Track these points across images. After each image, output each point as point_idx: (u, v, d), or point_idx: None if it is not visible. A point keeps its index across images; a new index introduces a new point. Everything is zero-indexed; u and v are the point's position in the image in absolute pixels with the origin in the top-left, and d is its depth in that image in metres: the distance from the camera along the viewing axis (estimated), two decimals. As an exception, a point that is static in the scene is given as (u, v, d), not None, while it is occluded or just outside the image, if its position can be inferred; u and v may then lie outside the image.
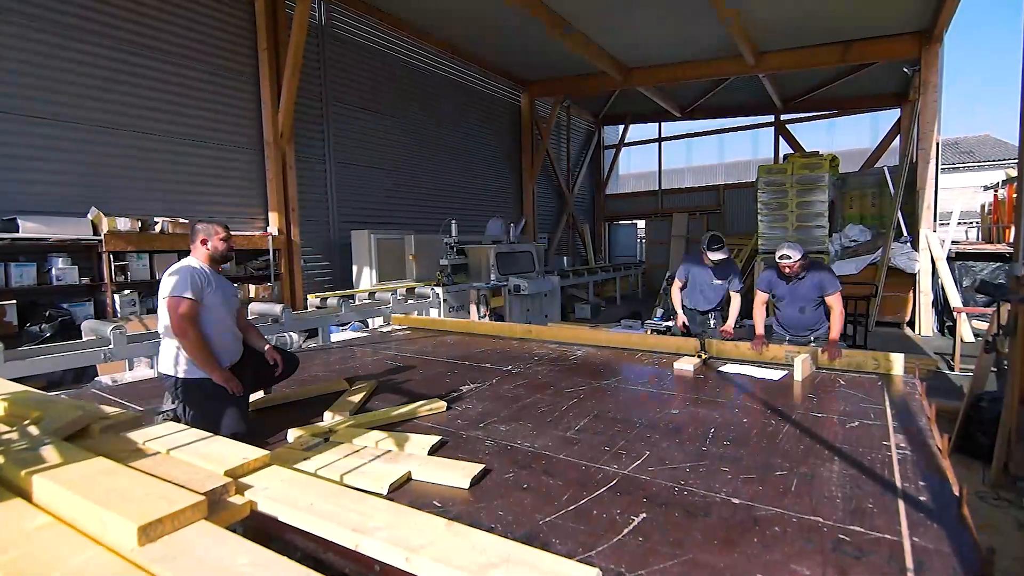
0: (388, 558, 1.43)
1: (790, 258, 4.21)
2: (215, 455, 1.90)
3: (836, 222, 11.45)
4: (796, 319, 4.44)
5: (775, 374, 3.64)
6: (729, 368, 3.84)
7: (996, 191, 12.58)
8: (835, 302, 4.22)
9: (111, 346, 4.21)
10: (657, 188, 18.37)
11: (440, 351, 4.75)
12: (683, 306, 5.16)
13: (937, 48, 9.59)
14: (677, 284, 5.17)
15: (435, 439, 2.41)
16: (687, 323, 5.11)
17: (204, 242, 2.82)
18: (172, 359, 2.67)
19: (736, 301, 4.90)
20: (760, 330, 4.35)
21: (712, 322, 4.98)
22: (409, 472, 2.08)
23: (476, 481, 2.04)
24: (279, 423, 2.77)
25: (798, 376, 3.48)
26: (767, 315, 4.57)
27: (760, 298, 4.58)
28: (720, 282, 4.93)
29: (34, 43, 5.94)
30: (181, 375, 2.65)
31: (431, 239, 9.35)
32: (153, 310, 6.73)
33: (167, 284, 2.65)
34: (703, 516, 1.77)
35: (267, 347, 2.99)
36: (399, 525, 1.52)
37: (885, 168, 11.66)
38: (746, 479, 2.04)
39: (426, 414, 2.90)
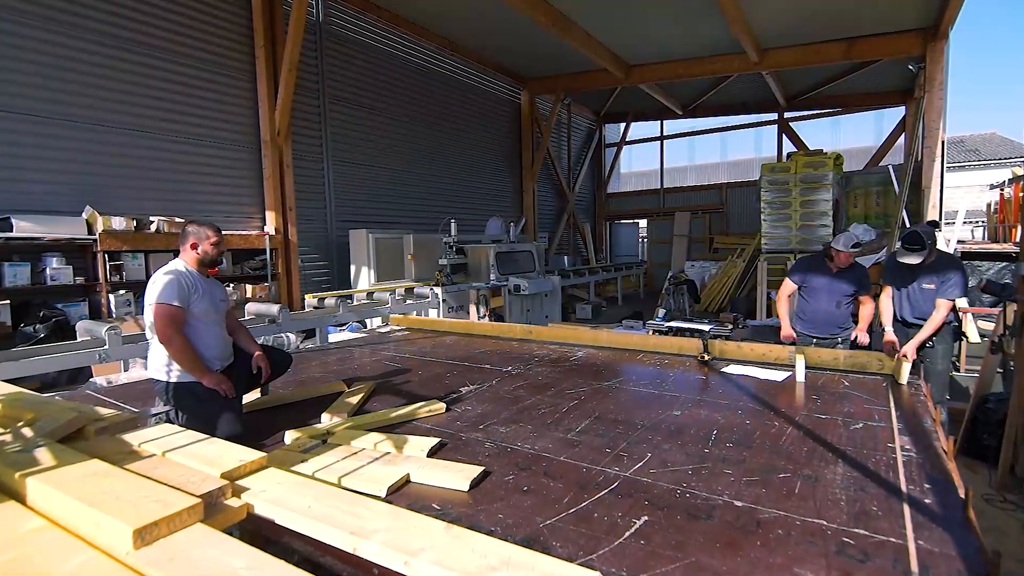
0: (387, 562, 1.43)
1: (860, 244, 3.95)
2: (211, 457, 1.90)
3: (840, 221, 11.44)
4: (827, 315, 4.18)
5: (778, 375, 3.64)
6: (732, 369, 3.84)
7: (1002, 190, 12.55)
8: (869, 300, 4.13)
9: (106, 347, 4.21)
10: (659, 187, 18.38)
11: (439, 352, 4.75)
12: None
13: (942, 45, 9.58)
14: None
15: (434, 441, 2.41)
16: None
17: (194, 246, 2.75)
18: (162, 364, 2.65)
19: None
20: (787, 328, 4.19)
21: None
22: (408, 474, 2.08)
23: (476, 483, 2.04)
24: (276, 425, 2.77)
25: (800, 377, 3.48)
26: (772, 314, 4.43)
27: (787, 289, 4.32)
28: (931, 287, 4.00)
29: (27, 39, 5.94)
30: (172, 379, 2.63)
31: (430, 238, 9.35)
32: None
33: (152, 290, 2.61)
34: (705, 519, 1.77)
35: (256, 353, 2.94)
36: (398, 528, 1.52)
37: (890, 166, 11.65)
38: (749, 481, 2.04)
39: (425, 415, 2.90)
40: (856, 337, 4.21)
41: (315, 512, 1.62)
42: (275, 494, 1.72)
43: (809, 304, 4.36)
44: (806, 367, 3.54)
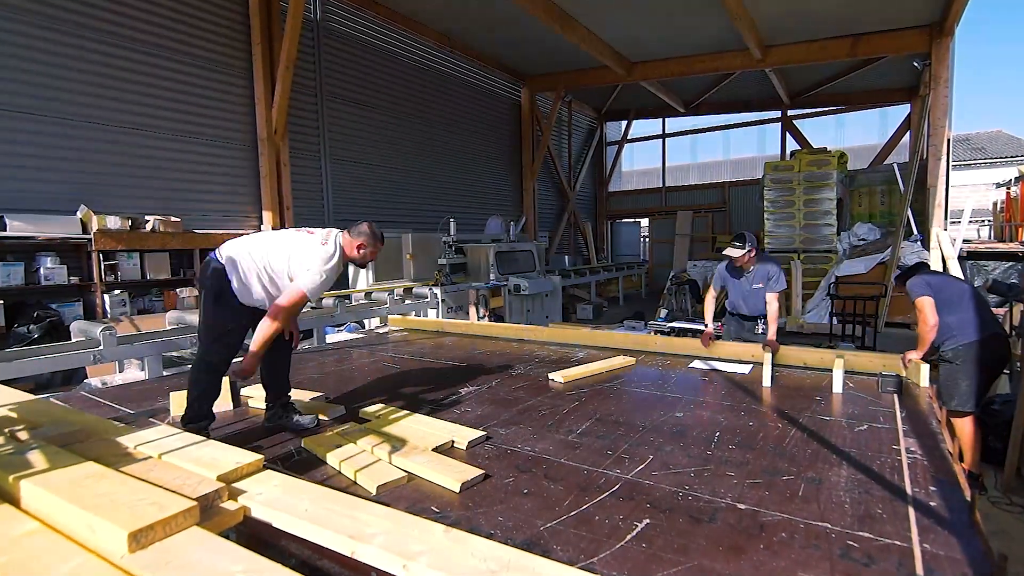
0: (385, 565, 1.43)
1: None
2: (207, 459, 1.90)
3: (844, 220, 11.45)
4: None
5: (744, 368, 3.83)
6: (699, 364, 3.99)
7: (1008, 188, 12.57)
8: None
9: (101, 347, 4.20)
10: (661, 185, 18.37)
11: (438, 353, 4.75)
12: (728, 312, 4.82)
13: (948, 41, 9.59)
14: (711, 293, 4.79)
15: (446, 438, 2.43)
16: (716, 334, 4.68)
17: (360, 247, 2.71)
18: (247, 286, 2.63)
19: (773, 306, 4.38)
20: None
21: (759, 329, 4.57)
22: (406, 476, 2.09)
23: (475, 486, 2.04)
24: (273, 429, 2.78)
25: (767, 382, 3.45)
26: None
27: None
28: (759, 286, 4.49)
29: (19, 36, 5.94)
30: (235, 285, 2.61)
31: (429, 238, 9.34)
32: (144, 311, 6.74)
33: (307, 276, 2.56)
34: (708, 522, 1.77)
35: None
36: (396, 532, 1.52)
37: (895, 165, 11.65)
38: (752, 484, 2.04)
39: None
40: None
41: (312, 515, 1.62)
42: (272, 496, 1.72)
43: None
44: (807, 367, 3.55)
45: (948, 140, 9.81)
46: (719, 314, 5.06)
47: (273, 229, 8.11)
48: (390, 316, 6.71)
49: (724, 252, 4.56)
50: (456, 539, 1.48)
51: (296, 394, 3.33)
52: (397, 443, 2.38)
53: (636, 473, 2.16)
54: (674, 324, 6.15)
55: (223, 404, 3.10)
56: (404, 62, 10.79)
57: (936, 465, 2.16)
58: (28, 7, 5.97)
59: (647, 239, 19.65)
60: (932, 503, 1.85)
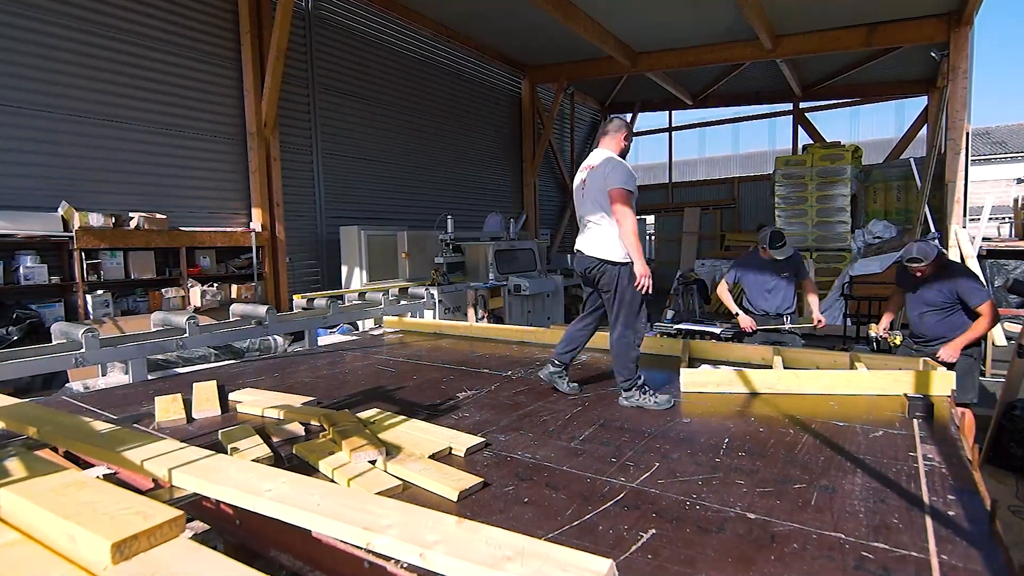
0: (401, 555, 1.47)
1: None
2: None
3: (859, 217, 11.46)
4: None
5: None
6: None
7: (1030, 184, 12.57)
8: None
9: (83, 350, 4.20)
10: (667, 181, 18.37)
11: (435, 355, 4.75)
12: (749, 312, 4.95)
13: (967, 31, 9.59)
14: (725, 285, 5.03)
15: (444, 445, 2.43)
16: (753, 326, 4.86)
17: (625, 137, 3.29)
18: (613, 246, 3.17)
19: (812, 291, 4.89)
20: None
21: (788, 324, 4.81)
22: (401, 484, 2.09)
23: (473, 495, 2.04)
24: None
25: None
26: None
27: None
28: (786, 276, 4.81)
29: None
30: (621, 260, 3.19)
31: (425, 236, 9.35)
32: (128, 312, 6.74)
33: (615, 173, 3.09)
34: (716, 532, 1.77)
35: None
36: (409, 523, 1.56)
37: (911, 159, 11.67)
38: (762, 492, 2.04)
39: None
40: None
41: (325, 509, 1.63)
42: (282, 492, 1.74)
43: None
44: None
45: (967, 134, 9.81)
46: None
47: (262, 227, 8.11)
48: (385, 317, 6.71)
49: (772, 253, 4.72)
50: (469, 529, 1.52)
51: (287, 399, 3.34)
52: (392, 450, 2.38)
53: (641, 481, 2.16)
54: (681, 325, 6.13)
55: (210, 408, 3.12)
56: (400, 53, 10.79)
57: (954, 473, 2.16)
58: (7, -5, 5.98)
59: (653, 237, 19.64)
60: (950, 512, 1.85)
